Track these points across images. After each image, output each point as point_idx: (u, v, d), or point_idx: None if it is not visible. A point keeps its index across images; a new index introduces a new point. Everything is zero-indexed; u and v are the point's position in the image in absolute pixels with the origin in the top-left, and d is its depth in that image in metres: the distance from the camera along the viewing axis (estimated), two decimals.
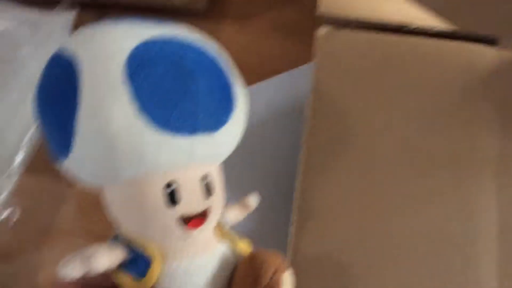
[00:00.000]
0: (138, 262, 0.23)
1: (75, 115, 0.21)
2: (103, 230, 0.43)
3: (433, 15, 0.39)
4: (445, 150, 0.35)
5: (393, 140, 0.36)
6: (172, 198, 0.23)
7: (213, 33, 0.54)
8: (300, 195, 0.34)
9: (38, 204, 0.44)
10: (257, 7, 0.56)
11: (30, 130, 0.42)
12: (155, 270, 0.23)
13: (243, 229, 0.28)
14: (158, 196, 0.23)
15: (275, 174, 0.44)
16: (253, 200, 0.29)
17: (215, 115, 0.24)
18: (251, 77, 0.50)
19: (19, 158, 0.41)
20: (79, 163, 0.23)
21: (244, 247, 0.27)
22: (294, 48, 0.53)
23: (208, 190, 0.24)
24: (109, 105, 0.21)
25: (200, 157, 0.24)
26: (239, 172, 0.44)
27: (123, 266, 0.24)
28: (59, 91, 0.22)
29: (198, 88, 0.23)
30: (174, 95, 0.22)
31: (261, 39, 0.54)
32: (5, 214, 0.40)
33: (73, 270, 0.21)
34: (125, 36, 0.23)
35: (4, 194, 0.40)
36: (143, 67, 0.22)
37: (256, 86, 0.49)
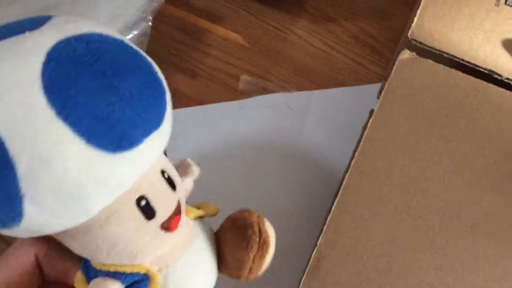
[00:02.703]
0: (135, 285, 0.22)
1: (14, 177, 0.17)
2: None
3: None
4: (498, 216, 0.32)
5: (441, 190, 0.33)
6: (148, 211, 0.21)
7: (288, 27, 0.53)
8: (330, 221, 0.32)
9: None
10: (340, 12, 0.54)
11: None
12: (157, 283, 0.23)
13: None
14: (136, 215, 0.21)
15: (315, 186, 0.42)
16: (194, 165, 0.28)
17: (155, 111, 0.21)
18: (312, 82, 0.48)
19: None
20: (37, 221, 0.19)
21: (213, 210, 0.27)
22: (367, 65, 0.50)
23: (171, 182, 0.23)
24: (53, 151, 0.18)
25: (155, 156, 0.22)
26: (277, 174, 0.43)
27: None
28: None
29: (131, 90, 0.20)
30: (112, 108, 0.19)
31: (334, 46, 0.51)
32: None
33: None
34: (24, 57, 0.18)
35: None
36: (65, 88, 0.18)
37: (318, 92, 0.47)
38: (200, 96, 0.47)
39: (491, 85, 0.36)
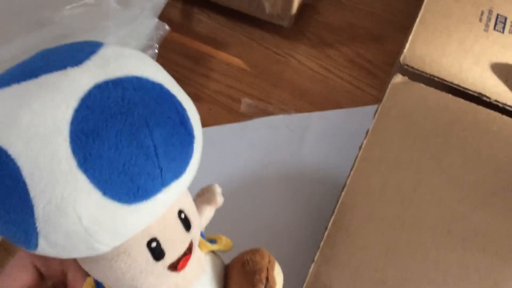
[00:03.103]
0: None
1: (32, 216, 0.18)
2: None
3: None
4: (488, 230, 0.33)
5: (432, 206, 0.34)
6: (158, 253, 0.22)
7: (288, 52, 0.55)
8: (326, 237, 0.33)
9: None
10: (339, 37, 0.56)
11: None
12: None
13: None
14: (143, 255, 0.22)
15: (314, 204, 0.43)
16: (219, 195, 0.28)
17: (178, 161, 0.21)
18: (311, 105, 0.50)
19: None
20: (49, 252, 0.20)
21: (225, 244, 0.26)
22: (363, 87, 0.52)
23: (186, 223, 0.23)
24: (71, 201, 0.18)
25: (172, 201, 0.22)
26: (276, 193, 0.44)
27: None
28: (3, 192, 0.18)
29: (156, 141, 0.19)
30: (135, 161, 0.19)
31: (333, 69, 0.54)
32: None
33: None
34: (55, 104, 0.18)
35: None
36: (92, 139, 0.18)
37: (316, 114, 0.49)
38: (203, 118, 0.48)
39: (480, 107, 0.38)
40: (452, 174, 0.35)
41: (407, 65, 0.39)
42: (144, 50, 0.45)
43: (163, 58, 0.52)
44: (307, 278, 0.32)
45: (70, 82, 0.19)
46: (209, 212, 0.28)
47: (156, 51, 0.46)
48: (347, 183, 0.35)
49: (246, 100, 0.50)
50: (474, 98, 0.38)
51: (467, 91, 0.39)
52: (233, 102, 0.50)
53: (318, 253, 0.33)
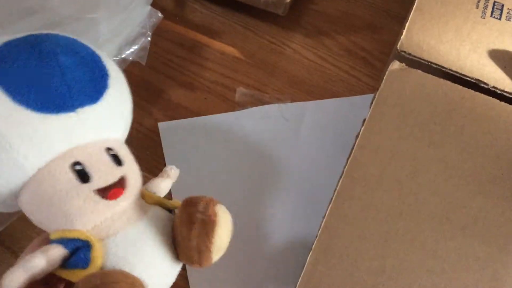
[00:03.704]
0: (77, 252, 0.23)
1: None
2: None
3: None
4: (487, 218, 0.33)
5: (431, 194, 0.34)
6: (83, 175, 0.23)
7: (283, 42, 0.54)
8: (324, 226, 0.33)
9: None
10: (335, 26, 0.56)
11: None
12: (97, 252, 0.23)
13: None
14: (69, 177, 0.23)
15: (310, 193, 0.43)
16: (174, 171, 0.31)
17: (89, 87, 0.25)
18: (307, 94, 0.50)
19: None
20: None
21: (177, 203, 0.27)
22: (360, 76, 0.52)
23: (117, 160, 0.25)
24: None
25: (92, 130, 0.25)
26: (273, 180, 0.44)
27: (66, 262, 0.23)
28: None
29: (62, 65, 0.24)
30: (42, 77, 0.23)
31: (328, 59, 0.53)
32: None
33: (16, 280, 0.21)
34: None
35: None
36: (5, 59, 0.22)
37: (313, 103, 0.48)
38: (198, 108, 0.48)
39: (478, 93, 0.37)
40: (450, 161, 0.35)
41: (404, 52, 0.39)
42: (137, 37, 0.44)
43: (157, 46, 0.51)
44: (305, 267, 0.32)
45: None
46: (164, 184, 0.31)
47: (149, 38, 0.45)
48: (344, 171, 0.35)
49: (241, 89, 0.49)
50: (472, 85, 0.38)
51: (465, 77, 0.38)
52: (228, 91, 0.49)
53: (315, 242, 0.33)
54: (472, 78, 0.38)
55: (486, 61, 0.40)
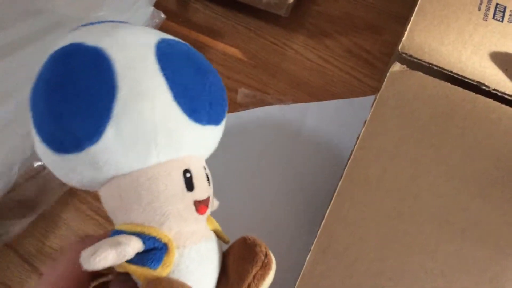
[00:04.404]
0: (152, 251, 0.23)
1: (113, 99, 0.21)
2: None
3: None
4: (487, 221, 0.33)
5: (431, 196, 0.34)
6: (190, 183, 0.24)
7: (285, 42, 0.55)
8: (323, 227, 0.33)
9: None
10: (337, 27, 0.56)
11: None
12: (171, 257, 0.23)
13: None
14: (179, 180, 0.24)
15: (311, 194, 0.43)
16: (215, 202, 0.30)
17: (221, 109, 0.26)
18: (308, 95, 0.50)
19: None
20: (109, 148, 0.22)
21: (224, 236, 0.27)
22: (361, 78, 0.52)
23: (208, 179, 0.26)
24: (150, 91, 0.22)
25: (208, 147, 0.27)
26: (274, 183, 0.44)
27: (136, 257, 0.23)
28: (90, 78, 0.21)
29: (212, 83, 0.25)
30: (197, 87, 0.24)
31: (330, 60, 0.53)
32: (38, 163, 0.40)
33: (105, 258, 0.20)
34: (143, 34, 0.24)
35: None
36: (170, 60, 0.23)
37: (314, 104, 0.48)
38: None
39: (479, 96, 0.37)
40: (451, 164, 0.35)
41: (406, 54, 0.39)
42: None
43: None
44: (304, 267, 0.32)
45: (147, 32, 0.25)
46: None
47: None
48: (345, 173, 0.35)
49: (243, 90, 0.49)
50: (473, 87, 0.38)
51: (466, 80, 0.38)
52: (230, 92, 0.49)
53: (315, 243, 0.33)
54: (473, 81, 0.38)
55: (488, 63, 0.40)
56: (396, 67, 0.38)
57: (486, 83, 0.38)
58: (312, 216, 0.38)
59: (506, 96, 0.37)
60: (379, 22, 0.56)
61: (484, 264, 0.32)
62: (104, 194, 0.24)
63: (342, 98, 0.49)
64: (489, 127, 0.36)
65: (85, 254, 0.20)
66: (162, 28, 0.48)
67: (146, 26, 0.45)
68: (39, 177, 0.39)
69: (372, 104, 0.37)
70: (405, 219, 0.33)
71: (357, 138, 0.36)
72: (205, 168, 0.26)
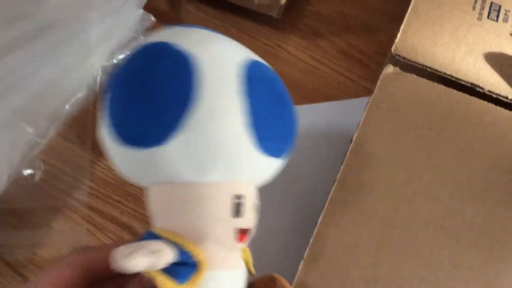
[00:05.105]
0: (183, 265, 0.22)
1: (190, 109, 0.21)
2: (115, 215, 0.43)
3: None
4: (482, 226, 0.33)
5: (425, 201, 0.34)
6: (237, 210, 0.23)
7: (278, 44, 0.54)
8: (316, 234, 0.33)
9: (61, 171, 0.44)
10: (330, 28, 0.55)
11: (75, 96, 0.42)
12: (199, 277, 0.23)
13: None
14: (227, 204, 0.23)
15: (305, 201, 0.42)
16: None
17: (288, 144, 0.26)
18: (302, 97, 0.49)
19: (56, 122, 0.41)
20: (170, 153, 0.22)
21: (252, 268, 0.27)
22: (356, 79, 0.51)
23: (256, 209, 0.25)
24: (226, 111, 0.21)
25: (265, 178, 0.26)
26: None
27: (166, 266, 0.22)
28: (175, 80, 0.21)
29: (289, 114, 0.25)
30: (272, 118, 0.24)
31: (324, 61, 0.52)
32: (28, 172, 0.39)
33: (138, 264, 0.20)
34: (235, 49, 0.24)
35: (34, 153, 0.39)
36: (254, 83, 0.23)
37: (307, 107, 0.48)
38: None
39: (473, 98, 0.37)
40: (444, 168, 0.35)
41: (399, 55, 0.38)
42: (129, 42, 0.44)
43: None
44: (297, 274, 0.32)
45: (238, 46, 0.25)
46: None
47: None
48: (338, 178, 0.34)
49: None
50: (467, 89, 0.37)
51: (460, 81, 0.38)
52: None
53: (308, 250, 0.32)
54: (467, 82, 0.37)
55: (482, 64, 0.39)
56: (389, 69, 0.38)
57: (481, 85, 0.37)
58: (305, 222, 0.38)
59: (501, 98, 0.37)
60: (373, 22, 0.56)
61: (479, 269, 0.32)
62: (152, 194, 0.24)
63: (336, 99, 0.49)
64: (484, 129, 0.36)
65: (118, 253, 0.20)
66: (152, 31, 0.47)
67: (135, 29, 0.45)
68: (28, 185, 0.38)
69: (365, 107, 0.37)
70: (398, 224, 0.33)
71: (350, 141, 0.36)
72: (255, 198, 0.25)
